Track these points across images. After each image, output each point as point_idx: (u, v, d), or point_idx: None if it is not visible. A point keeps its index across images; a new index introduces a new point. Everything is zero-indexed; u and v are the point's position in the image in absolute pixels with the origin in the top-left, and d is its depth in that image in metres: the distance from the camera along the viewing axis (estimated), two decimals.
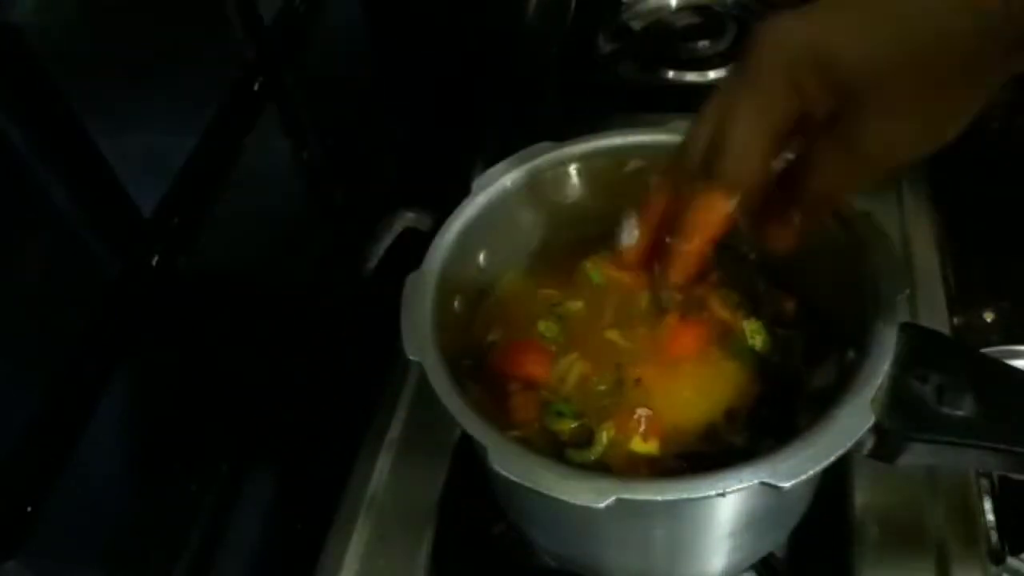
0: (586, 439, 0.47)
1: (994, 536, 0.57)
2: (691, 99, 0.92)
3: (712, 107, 0.39)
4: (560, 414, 0.48)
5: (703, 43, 0.89)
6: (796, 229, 0.41)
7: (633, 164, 0.54)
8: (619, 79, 0.90)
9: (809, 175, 0.38)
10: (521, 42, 0.97)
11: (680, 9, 0.95)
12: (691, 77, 0.88)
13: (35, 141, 0.37)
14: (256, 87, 0.54)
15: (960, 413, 0.39)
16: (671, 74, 0.89)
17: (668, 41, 0.90)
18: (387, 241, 0.52)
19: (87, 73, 0.40)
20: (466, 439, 0.42)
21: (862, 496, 0.56)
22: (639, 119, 0.54)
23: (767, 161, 0.38)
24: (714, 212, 0.40)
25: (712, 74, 0.87)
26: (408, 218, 0.52)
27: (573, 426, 0.48)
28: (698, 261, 0.43)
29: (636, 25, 0.95)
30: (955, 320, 0.65)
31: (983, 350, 0.66)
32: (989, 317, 0.73)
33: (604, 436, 0.46)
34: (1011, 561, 0.58)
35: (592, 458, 0.46)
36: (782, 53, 0.35)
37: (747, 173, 0.38)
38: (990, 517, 0.58)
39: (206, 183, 0.50)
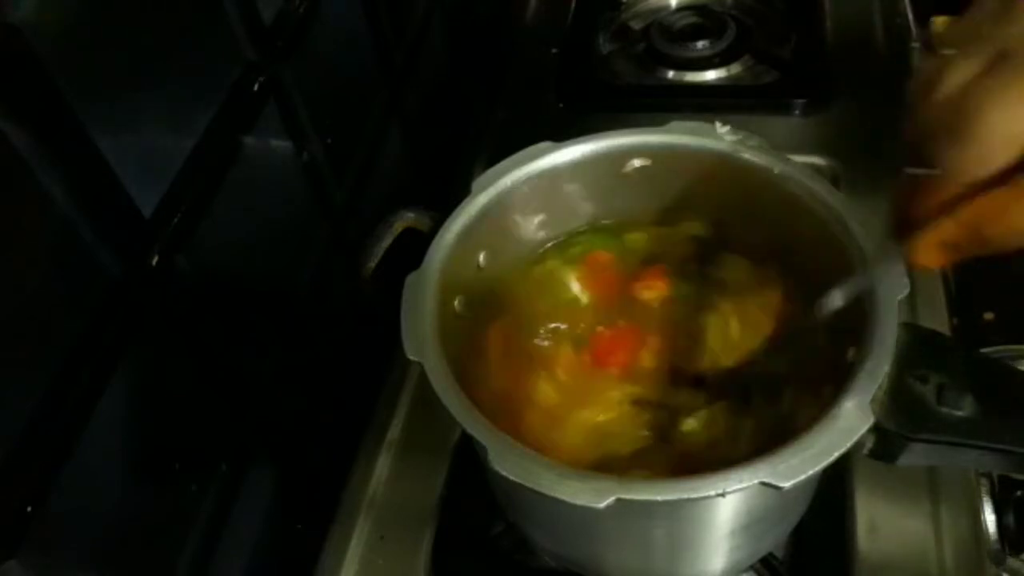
0: None
1: (994, 537, 0.58)
2: (691, 99, 0.93)
3: (950, 74, 0.33)
4: None
5: (703, 43, 0.89)
6: (953, 254, 0.36)
7: (633, 164, 0.54)
8: (619, 79, 0.91)
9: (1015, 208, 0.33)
10: (521, 42, 0.97)
11: (680, 9, 0.95)
12: (691, 77, 0.88)
13: (35, 141, 0.37)
14: (256, 87, 0.54)
15: (960, 413, 0.39)
16: (671, 74, 0.89)
17: (668, 41, 0.90)
18: (387, 241, 0.52)
19: (87, 73, 0.40)
20: (466, 439, 0.42)
21: (862, 496, 0.56)
22: (639, 119, 0.54)
23: (1009, 163, 0.33)
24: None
25: (712, 74, 0.88)
26: (408, 218, 0.52)
27: None
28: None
29: (636, 25, 0.95)
30: (955, 320, 0.65)
31: (983, 350, 0.66)
32: (989, 317, 0.73)
33: None
34: (1011, 561, 0.58)
35: None
36: None
37: (985, 167, 0.33)
38: (990, 517, 0.58)
39: (206, 183, 0.50)
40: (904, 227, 0.38)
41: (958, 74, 0.33)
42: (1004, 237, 0.35)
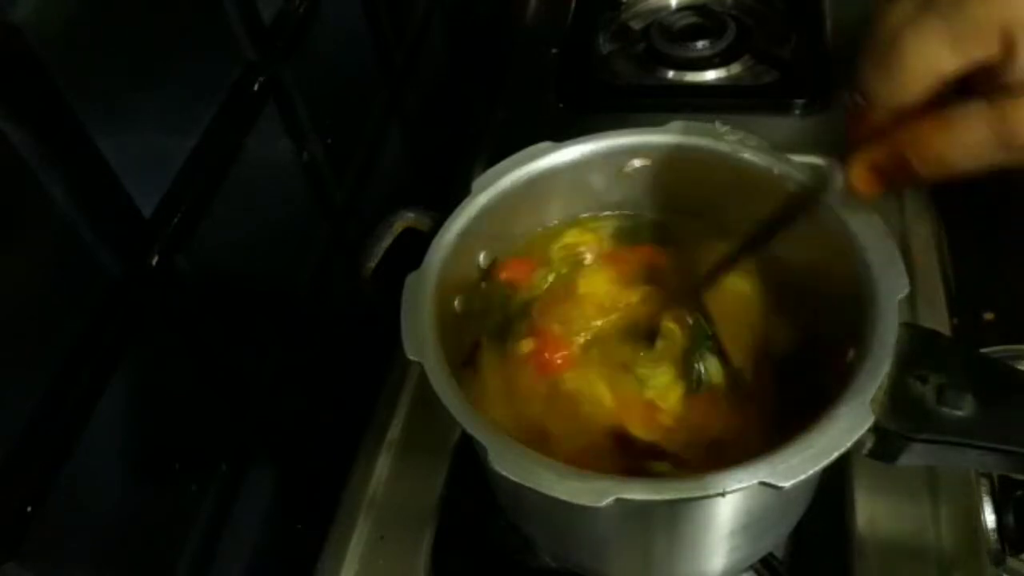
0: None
1: (994, 536, 0.58)
2: (691, 99, 0.93)
3: (888, 14, 0.38)
4: None
5: (703, 43, 0.89)
6: (886, 182, 0.40)
7: (633, 164, 0.54)
8: (619, 79, 0.91)
9: (943, 130, 0.37)
10: (521, 42, 0.97)
11: (680, 9, 0.95)
12: (691, 77, 0.88)
13: (35, 141, 0.37)
14: (256, 87, 0.54)
15: (960, 413, 0.39)
16: (671, 74, 0.89)
17: (668, 41, 0.90)
18: (387, 241, 0.52)
19: (87, 73, 0.40)
20: (466, 439, 0.42)
21: (862, 496, 0.56)
22: (639, 119, 0.54)
23: (925, 95, 0.37)
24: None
25: (712, 74, 0.88)
26: (408, 218, 0.52)
27: None
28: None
29: (636, 25, 0.95)
30: (955, 320, 0.65)
31: (983, 350, 0.66)
32: (989, 317, 0.73)
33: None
34: (1011, 561, 0.58)
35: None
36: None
37: (902, 96, 0.37)
38: (990, 517, 0.58)
39: (206, 183, 0.50)
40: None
41: (894, 15, 0.38)
42: (926, 164, 0.38)
